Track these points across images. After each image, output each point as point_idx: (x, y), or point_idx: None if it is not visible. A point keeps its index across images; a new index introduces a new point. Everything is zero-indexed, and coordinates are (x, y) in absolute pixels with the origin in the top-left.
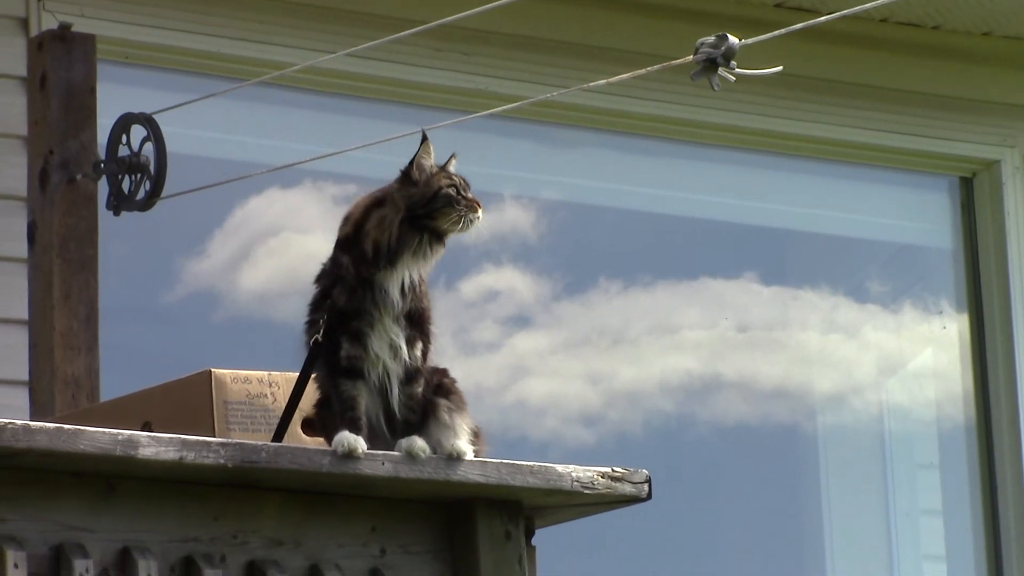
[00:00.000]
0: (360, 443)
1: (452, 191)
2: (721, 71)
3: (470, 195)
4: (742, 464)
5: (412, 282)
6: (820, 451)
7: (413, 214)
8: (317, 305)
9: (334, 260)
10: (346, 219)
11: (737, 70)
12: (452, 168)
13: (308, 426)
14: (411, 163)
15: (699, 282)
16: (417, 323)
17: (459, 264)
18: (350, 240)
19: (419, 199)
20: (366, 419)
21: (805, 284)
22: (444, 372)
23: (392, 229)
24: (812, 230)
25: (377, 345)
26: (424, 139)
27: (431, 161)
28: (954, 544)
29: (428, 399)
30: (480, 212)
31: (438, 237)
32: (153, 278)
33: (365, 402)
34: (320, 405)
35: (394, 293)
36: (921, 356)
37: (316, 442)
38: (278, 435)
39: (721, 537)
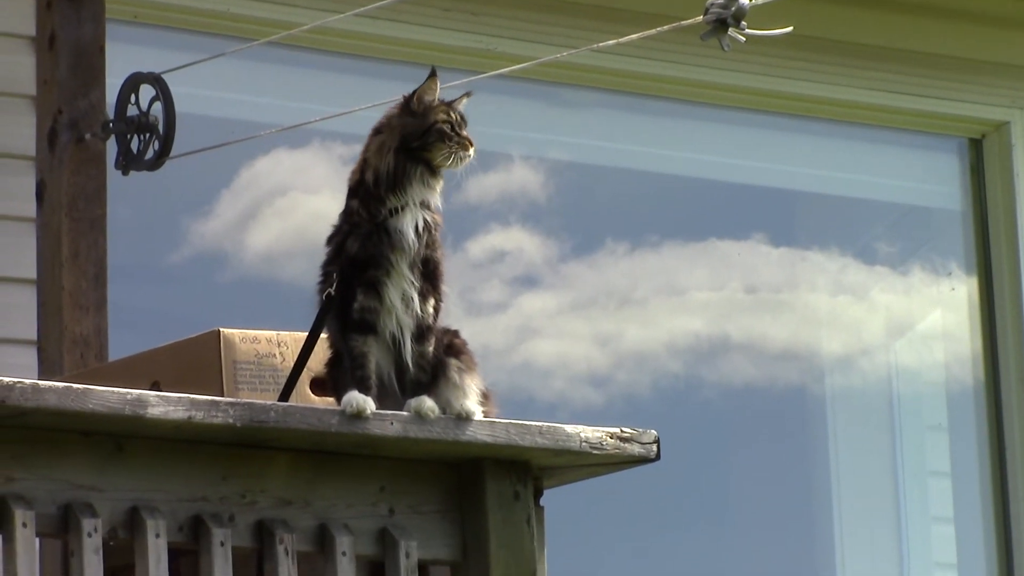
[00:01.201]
0: (369, 403)
1: (447, 127)
2: (731, 32)
3: (464, 133)
4: (750, 426)
5: (425, 222)
6: (828, 413)
7: (408, 145)
8: (329, 262)
9: (346, 210)
10: (353, 169)
11: (747, 31)
12: (461, 106)
13: (317, 386)
14: (413, 93)
15: (707, 243)
16: (430, 276)
17: (466, 224)
18: (358, 183)
19: (414, 130)
20: (377, 377)
21: (813, 245)
22: (455, 333)
23: (389, 157)
24: (820, 191)
25: (393, 295)
26: (432, 74)
27: (434, 96)
28: (962, 506)
29: (439, 359)
30: (472, 151)
31: (432, 170)
32: (161, 238)
33: (376, 359)
34: (331, 364)
35: (410, 234)
36: (930, 318)
37: (325, 402)
38: (285, 394)
39: (728, 498)
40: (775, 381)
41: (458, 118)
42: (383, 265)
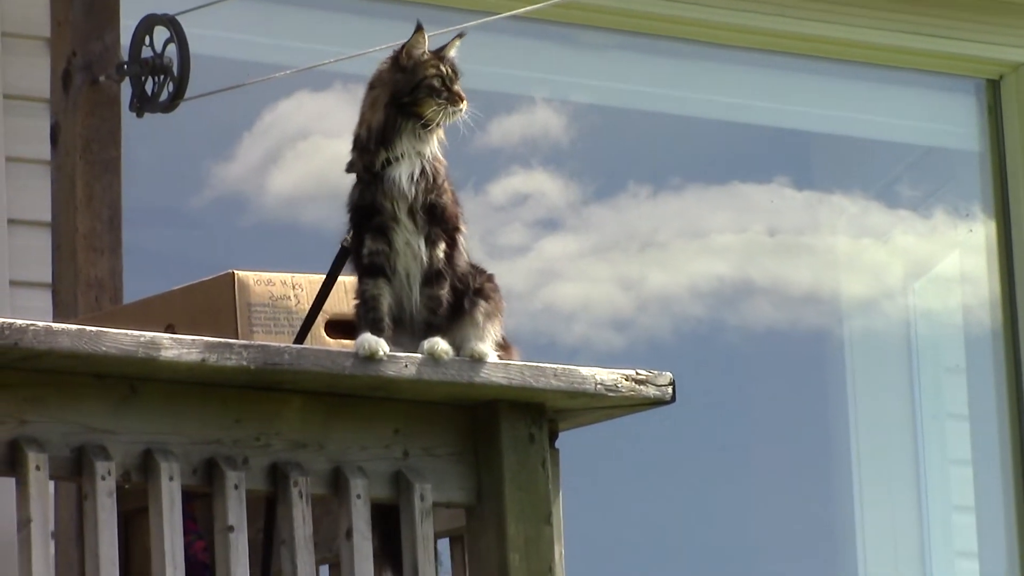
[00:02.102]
0: (381, 345)
1: (436, 82)
2: None
3: (456, 87)
4: (770, 369)
5: (422, 169)
6: (847, 355)
7: (398, 100)
8: (347, 212)
9: (350, 161)
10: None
11: None
12: (452, 53)
13: (332, 328)
14: (401, 48)
15: (729, 186)
16: (438, 221)
17: (488, 167)
18: (356, 136)
19: (404, 86)
20: (395, 320)
21: (832, 187)
22: (489, 277)
23: (380, 111)
24: (839, 132)
25: (398, 239)
26: (418, 28)
27: (422, 49)
28: (980, 447)
29: (464, 300)
30: (463, 105)
31: (424, 124)
32: (179, 181)
33: (389, 302)
34: (355, 307)
35: (403, 182)
36: (948, 260)
37: (340, 344)
38: (300, 337)
39: (748, 441)
40: (796, 324)
41: (449, 72)
42: (385, 211)
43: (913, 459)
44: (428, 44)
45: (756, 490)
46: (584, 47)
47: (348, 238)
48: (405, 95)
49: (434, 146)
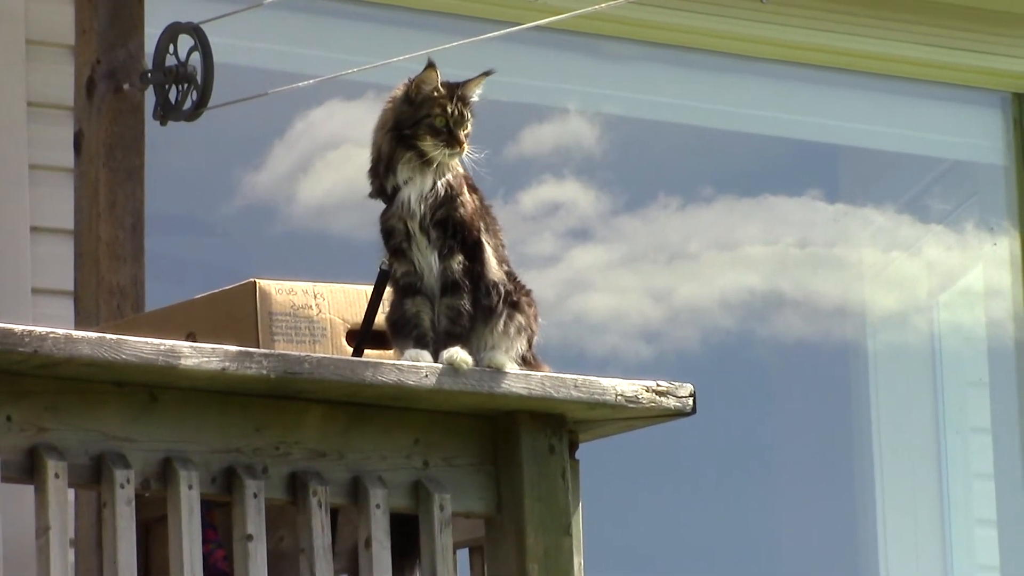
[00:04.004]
0: (423, 355)
1: (438, 121)
2: None
3: (458, 131)
4: (798, 381)
5: (432, 186)
6: (871, 368)
7: (400, 131)
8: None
9: (370, 186)
10: None
11: None
12: (474, 91)
13: (353, 338)
14: (412, 81)
15: (759, 198)
16: (453, 234)
17: (520, 177)
18: (372, 159)
19: (407, 120)
20: (434, 332)
21: (860, 200)
22: (526, 292)
23: (386, 138)
24: (866, 145)
25: (418, 257)
26: (429, 65)
27: (433, 86)
28: (1002, 461)
29: (494, 311)
30: (460, 150)
31: (424, 159)
32: (203, 189)
33: (430, 316)
34: (387, 318)
35: (412, 202)
36: (972, 273)
37: (372, 354)
38: (357, 352)
39: (774, 454)
40: (824, 337)
41: (456, 113)
42: (399, 232)
43: (936, 472)
44: (441, 78)
45: (781, 502)
46: (612, 58)
47: (385, 260)
48: (407, 128)
49: (441, 171)
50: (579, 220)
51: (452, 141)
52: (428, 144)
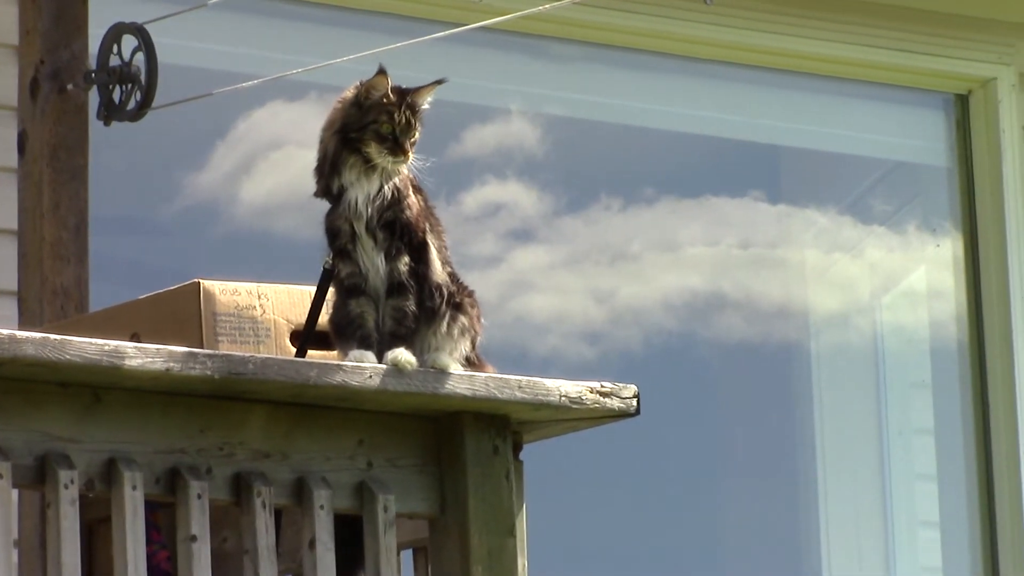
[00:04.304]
0: (367, 356)
1: (385, 128)
2: None
3: (403, 140)
4: (740, 382)
5: (379, 189)
6: (814, 369)
7: (347, 134)
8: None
9: (316, 186)
10: None
11: None
12: (424, 99)
13: (296, 338)
14: (363, 85)
15: (700, 199)
16: (399, 235)
17: (462, 177)
18: (318, 159)
19: (354, 123)
20: (378, 333)
21: (802, 201)
22: (469, 293)
23: (332, 138)
24: (808, 146)
25: (363, 258)
26: (380, 71)
27: (383, 92)
28: (945, 462)
29: (437, 312)
30: (404, 159)
31: (368, 163)
32: (148, 190)
33: (374, 316)
34: (330, 318)
35: (359, 204)
36: (915, 275)
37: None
38: (300, 353)
39: (716, 455)
40: (766, 338)
41: (403, 121)
42: (344, 233)
43: (879, 473)
44: (391, 84)
45: (722, 503)
46: (556, 59)
47: (329, 259)
48: (353, 131)
49: (388, 175)
50: (521, 221)
51: (397, 149)
52: (373, 150)
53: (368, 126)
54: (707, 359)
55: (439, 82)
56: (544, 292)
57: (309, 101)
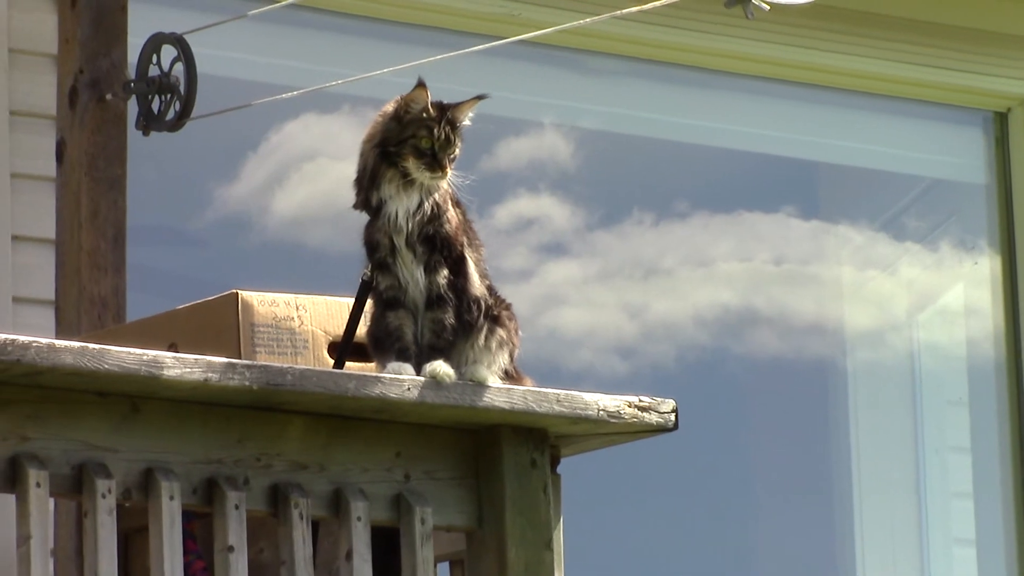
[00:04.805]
0: (406, 368)
1: (424, 143)
2: (755, 0)
3: (442, 156)
4: (774, 399)
5: (419, 203)
6: (850, 386)
7: (386, 148)
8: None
9: (355, 199)
10: None
11: None
12: (464, 115)
13: (334, 350)
14: (403, 99)
15: (734, 215)
16: (438, 249)
17: (495, 190)
18: (357, 172)
19: (393, 138)
20: (417, 346)
21: (838, 218)
22: (507, 306)
23: (372, 152)
24: (845, 163)
25: (403, 271)
26: (419, 84)
27: (423, 105)
28: (982, 481)
29: (475, 325)
30: (443, 175)
31: (407, 178)
32: (184, 200)
33: (412, 329)
34: (368, 330)
35: (399, 218)
36: (952, 292)
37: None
38: (339, 365)
39: (750, 471)
40: (799, 354)
41: (443, 136)
42: (383, 247)
43: (915, 491)
44: (431, 98)
45: (757, 519)
46: (593, 73)
47: (367, 272)
48: (392, 145)
49: (428, 190)
50: (554, 235)
51: (435, 165)
52: (411, 165)
53: (407, 140)
54: (740, 375)
55: (480, 97)
56: (576, 306)
57: (342, 113)
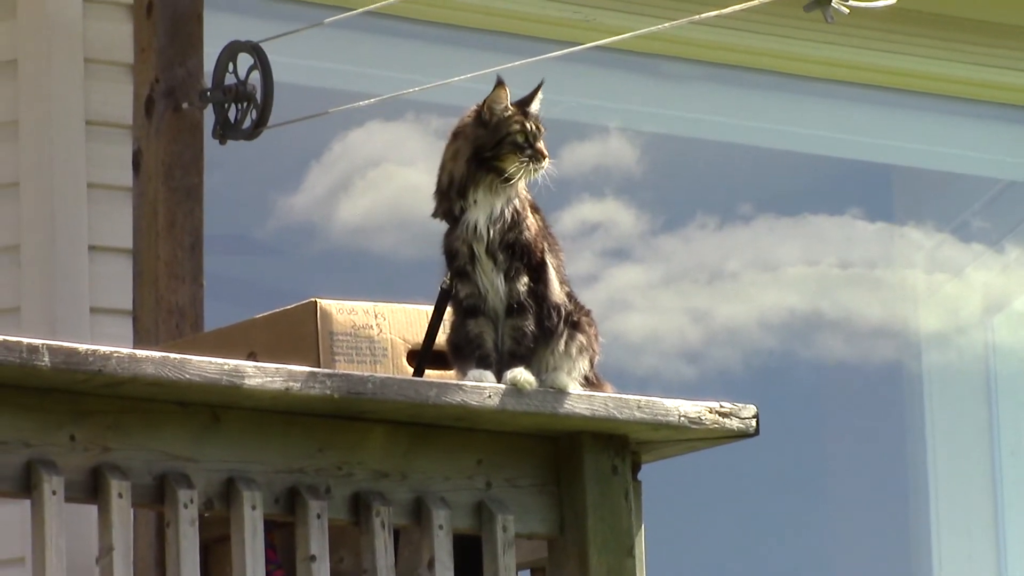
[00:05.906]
0: (487, 376)
1: (520, 138)
2: (835, 3)
3: (539, 145)
4: (844, 403)
5: (500, 211)
6: (925, 390)
7: (480, 155)
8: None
9: (434, 207)
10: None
11: (851, 2)
12: (535, 106)
13: (413, 358)
14: (483, 103)
15: (800, 218)
16: (518, 256)
17: (559, 196)
18: (437, 183)
19: (487, 141)
20: (497, 353)
21: (909, 220)
22: (586, 312)
23: (462, 164)
24: (917, 165)
25: (482, 280)
26: (499, 83)
27: (504, 104)
28: None
29: (555, 332)
30: (545, 162)
31: (506, 179)
32: (255, 208)
33: (493, 337)
34: (448, 339)
35: (480, 226)
36: None
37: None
38: (418, 372)
39: (823, 476)
40: (869, 358)
41: (533, 128)
42: (462, 255)
43: (990, 493)
44: (511, 92)
45: (831, 524)
46: (658, 77)
47: (447, 280)
48: (488, 150)
49: (509, 199)
50: (618, 239)
51: (537, 155)
52: (512, 163)
53: (503, 140)
54: (808, 379)
55: (541, 85)
56: (641, 311)
57: (407, 120)
